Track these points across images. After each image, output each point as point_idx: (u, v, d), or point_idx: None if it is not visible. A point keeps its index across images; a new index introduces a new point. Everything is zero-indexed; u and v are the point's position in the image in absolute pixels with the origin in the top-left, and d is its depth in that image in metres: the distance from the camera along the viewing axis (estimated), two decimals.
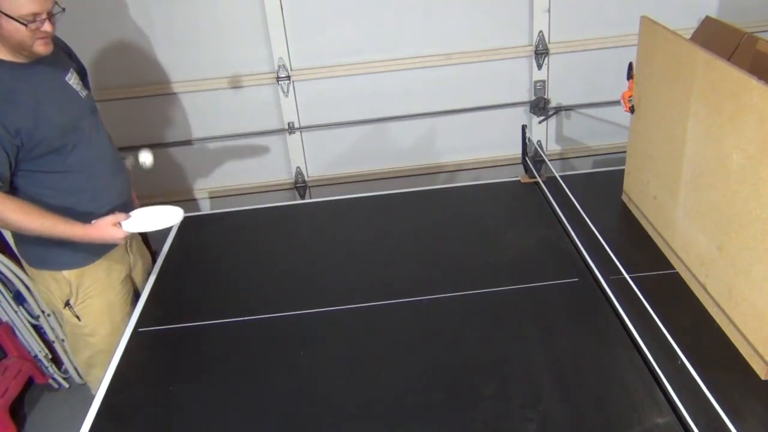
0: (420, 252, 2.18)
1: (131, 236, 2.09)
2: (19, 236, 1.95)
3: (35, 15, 1.67)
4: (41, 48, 1.74)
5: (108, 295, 2.05)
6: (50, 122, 1.78)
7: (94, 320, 2.04)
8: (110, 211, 1.91)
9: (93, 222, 1.85)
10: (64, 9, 1.76)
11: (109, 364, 1.81)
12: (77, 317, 2.01)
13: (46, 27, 1.71)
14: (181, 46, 2.93)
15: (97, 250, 1.98)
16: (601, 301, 1.81)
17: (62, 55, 1.93)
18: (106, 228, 1.85)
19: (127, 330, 1.92)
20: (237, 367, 1.74)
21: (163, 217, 1.97)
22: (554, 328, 1.74)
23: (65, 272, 1.95)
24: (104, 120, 2.08)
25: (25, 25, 1.66)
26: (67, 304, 2.00)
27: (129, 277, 2.16)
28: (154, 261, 2.29)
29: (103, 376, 1.75)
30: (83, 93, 1.95)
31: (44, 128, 1.77)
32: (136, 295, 2.19)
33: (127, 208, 2.00)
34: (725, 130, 1.56)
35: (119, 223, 1.87)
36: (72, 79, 1.91)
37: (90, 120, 1.95)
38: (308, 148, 3.20)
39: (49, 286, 1.99)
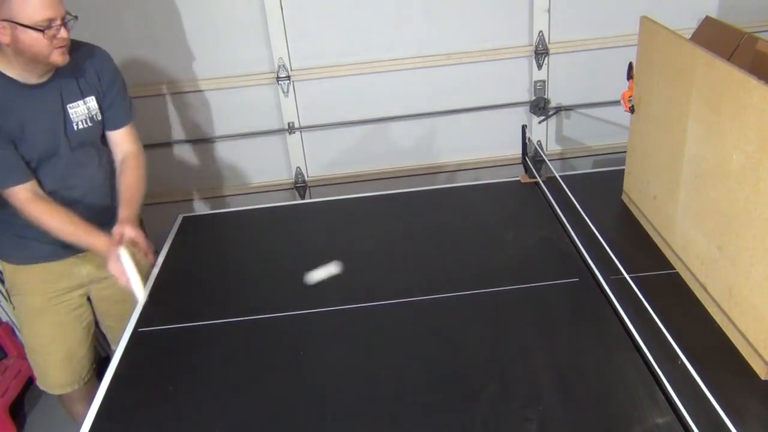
0: (420, 252, 2.18)
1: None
2: None
3: (50, 21, 1.64)
4: (59, 58, 1.71)
5: (35, 300, 2.04)
6: (30, 146, 1.79)
7: (21, 319, 2.12)
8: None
9: (108, 236, 1.85)
10: (76, 17, 1.73)
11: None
12: (13, 306, 2.11)
13: (63, 33, 1.68)
14: (182, 46, 2.93)
15: (32, 258, 2.00)
16: (601, 301, 1.81)
17: (80, 82, 1.86)
18: (110, 248, 1.83)
19: (127, 330, 1.91)
20: (237, 367, 1.73)
21: (134, 283, 1.87)
22: (554, 328, 1.74)
23: (3, 262, 2.05)
24: None
25: (42, 31, 1.63)
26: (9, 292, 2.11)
27: (85, 298, 2.13)
28: (153, 263, 2.27)
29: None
30: (84, 124, 1.89)
31: (24, 149, 1.78)
32: (97, 322, 2.22)
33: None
34: (725, 130, 1.56)
35: (119, 254, 1.81)
36: (78, 108, 1.86)
37: (78, 152, 1.90)
38: (308, 148, 3.21)
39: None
